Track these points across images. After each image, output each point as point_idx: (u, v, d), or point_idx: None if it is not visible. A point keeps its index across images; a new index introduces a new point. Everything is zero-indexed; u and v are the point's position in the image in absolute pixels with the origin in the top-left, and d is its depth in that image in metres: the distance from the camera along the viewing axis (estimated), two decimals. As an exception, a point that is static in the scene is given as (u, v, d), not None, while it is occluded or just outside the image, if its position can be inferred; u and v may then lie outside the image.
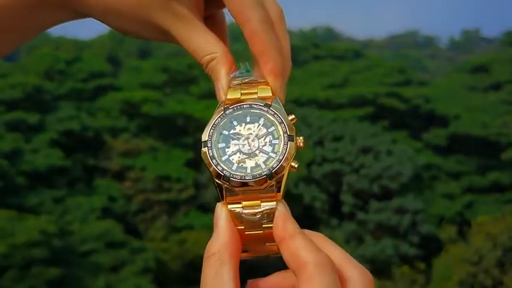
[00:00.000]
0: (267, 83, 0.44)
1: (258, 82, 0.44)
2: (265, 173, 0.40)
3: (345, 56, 21.61)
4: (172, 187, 13.60)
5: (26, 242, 9.46)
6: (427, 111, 17.34)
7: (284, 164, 0.41)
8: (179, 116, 15.27)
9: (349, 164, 13.90)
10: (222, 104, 0.43)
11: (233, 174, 0.40)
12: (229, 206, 0.41)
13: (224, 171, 0.41)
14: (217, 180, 0.41)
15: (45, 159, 13.02)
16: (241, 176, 0.40)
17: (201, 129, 0.42)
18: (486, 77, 20.03)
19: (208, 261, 0.39)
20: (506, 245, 10.57)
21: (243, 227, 0.41)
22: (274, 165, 0.41)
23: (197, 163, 14.25)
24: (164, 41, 0.48)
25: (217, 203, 0.41)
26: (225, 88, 0.44)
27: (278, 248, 0.41)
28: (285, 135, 0.42)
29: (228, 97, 0.44)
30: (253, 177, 0.40)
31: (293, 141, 0.42)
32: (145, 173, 13.73)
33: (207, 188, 13.62)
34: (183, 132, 15.36)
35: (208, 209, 13.22)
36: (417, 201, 13.37)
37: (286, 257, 0.39)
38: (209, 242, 0.40)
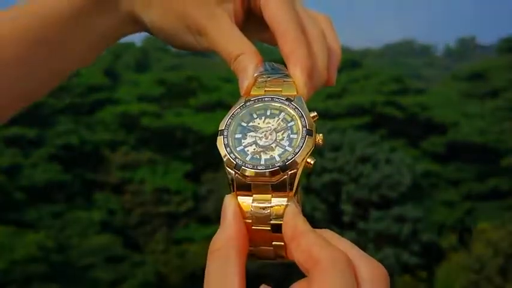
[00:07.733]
0: (293, 81, 0.43)
1: (284, 81, 0.43)
2: (278, 164, 0.38)
3: (342, 65, 21.60)
4: (172, 200, 13.56)
5: (25, 258, 9.41)
6: (424, 119, 17.36)
7: (299, 158, 0.39)
8: (178, 129, 15.26)
9: (348, 173, 13.88)
10: (244, 97, 0.42)
11: (245, 163, 0.39)
12: (239, 198, 0.39)
13: (237, 160, 0.39)
14: (229, 169, 0.39)
15: (44, 174, 12.99)
16: (253, 166, 0.39)
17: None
18: (483, 84, 20.08)
19: (212, 257, 0.37)
20: (508, 252, 10.53)
21: (250, 221, 0.39)
22: (289, 158, 0.39)
23: (196, 175, 14.22)
24: (194, 45, 0.49)
25: (226, 195, 0.40)
26: (250, 81, 0.43)
27: (285, 251, 0.39)
28: (304, 129, 0.40)
29: (252, 93, 0.43)
30: (266, 167, 0.38)
31: (311, 136, 0.40)
32: (145, 186, 13.69)
33: (206, 200, 13.57)
34: (182, 145, 15.34)
35: (208, 221, 13.17)
36: (417, 210, 13.34)
37: (298, 256, 0.36)
38: (215, 236, 0.38)
